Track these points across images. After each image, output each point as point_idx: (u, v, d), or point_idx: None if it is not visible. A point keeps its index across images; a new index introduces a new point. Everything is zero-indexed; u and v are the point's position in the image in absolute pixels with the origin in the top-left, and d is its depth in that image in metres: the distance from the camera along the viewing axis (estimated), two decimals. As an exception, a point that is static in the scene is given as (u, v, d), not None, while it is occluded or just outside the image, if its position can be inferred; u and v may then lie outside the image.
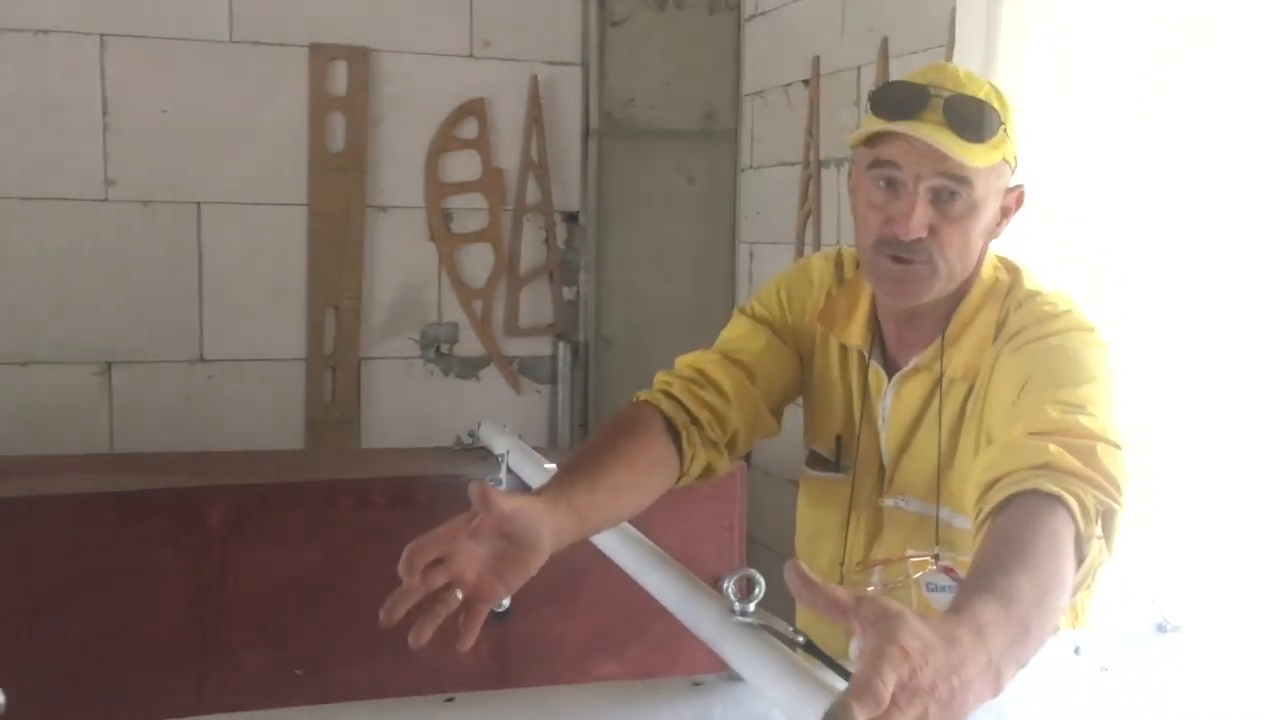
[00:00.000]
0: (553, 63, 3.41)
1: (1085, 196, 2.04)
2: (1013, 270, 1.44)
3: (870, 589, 1.46)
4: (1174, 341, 1.88)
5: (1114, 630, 1.32)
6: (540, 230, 3.46)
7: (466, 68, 3.33)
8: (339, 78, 3.21)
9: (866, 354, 1.49)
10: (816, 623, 1.59)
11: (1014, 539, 1.03)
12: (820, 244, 2.95)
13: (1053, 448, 1.13)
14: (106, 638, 1.85)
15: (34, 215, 3.00)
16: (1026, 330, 1.33)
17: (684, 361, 1.52)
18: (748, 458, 3.07)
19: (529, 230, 3.44)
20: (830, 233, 2.92)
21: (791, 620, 1.38)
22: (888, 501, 1.47)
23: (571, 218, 3.49)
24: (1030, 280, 1.42)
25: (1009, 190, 1.38)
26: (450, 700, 1.04)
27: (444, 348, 3.41)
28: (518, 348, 3.48)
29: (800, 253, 3.04)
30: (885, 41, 2.67)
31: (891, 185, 1.33)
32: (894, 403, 1.46)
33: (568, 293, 3.51)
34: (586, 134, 3.46)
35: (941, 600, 1.41)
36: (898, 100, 1.32)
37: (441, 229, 3.35)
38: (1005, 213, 1.39)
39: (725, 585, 1.08)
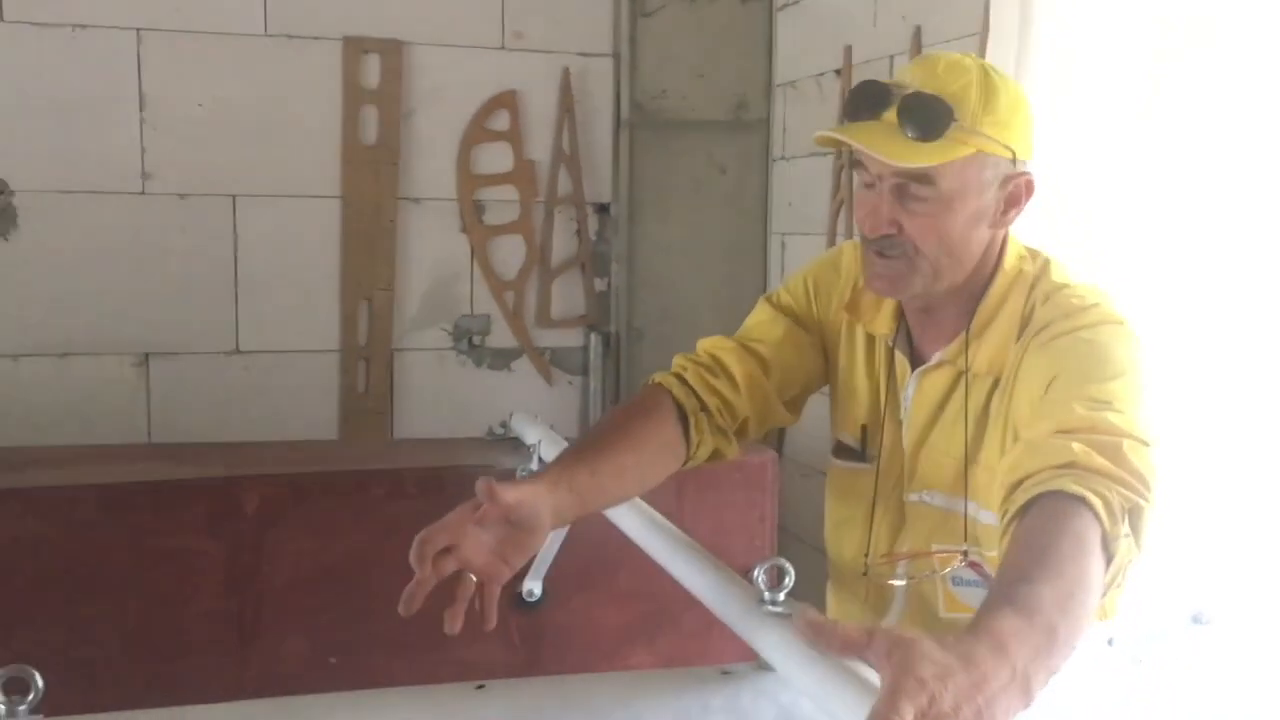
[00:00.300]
0: (584, 54, 3.41)
1: (1086, 195, 2.03)
2: (1041, 262, 1.41)
3: (896, 583, 1.46)
4: (1174, 340, 1.87)
5: (1147, 623, 1.31)
6: (572, 222, 3.46)
7: (498, 60, 3.34)
8: (372, 71, 3.23)
9: (891, 344, 1.48)
10: (847, 612, 1.60)
11: (1036, 544, 1.02)
12: (852, 234, 2.94)
13: (1077, 446, 1.12)
14: (145, 625, 1.88)
15: (73, 209, 3.04)
16: (1054, 324, 1.31)
17: (703, 345, 1.54)
18: (780, 448, 3.07)
19: (560, 222, 3.45)
20: (862, 223, 2.90)
21: (822, 609, 1.38)
22: (911, 496, 1.46)
23: (603, 209, 3.50)
24: (1059, 272, 1.40)
25: (1011, 178, 1.34)
26: (480, 687, 1.05)
27: (476, 339, 3.43)
28: (549, 339, 3.49)
29: (832, 243, 3.03)
30: (918, 30, 2.65)
31: (867, 183, 1.35)
32: (915, 395, 1.45)
33: (599, 284, 3.52)
34: (618, 125, 3.45)
35: (967, 594, 1.40)
36: (859, 101, 1.34)
37: (473, 221, 3.37)
38: (1012, 202, 1.36)
39: (755, 574, 1.09)
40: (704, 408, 1.46)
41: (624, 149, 3.43)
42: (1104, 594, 1.05)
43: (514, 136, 3.37)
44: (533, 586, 1.95)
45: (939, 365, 1.43)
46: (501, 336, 3.44)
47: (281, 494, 1.95)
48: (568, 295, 3.49)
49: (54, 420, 2.97)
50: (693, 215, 3.47)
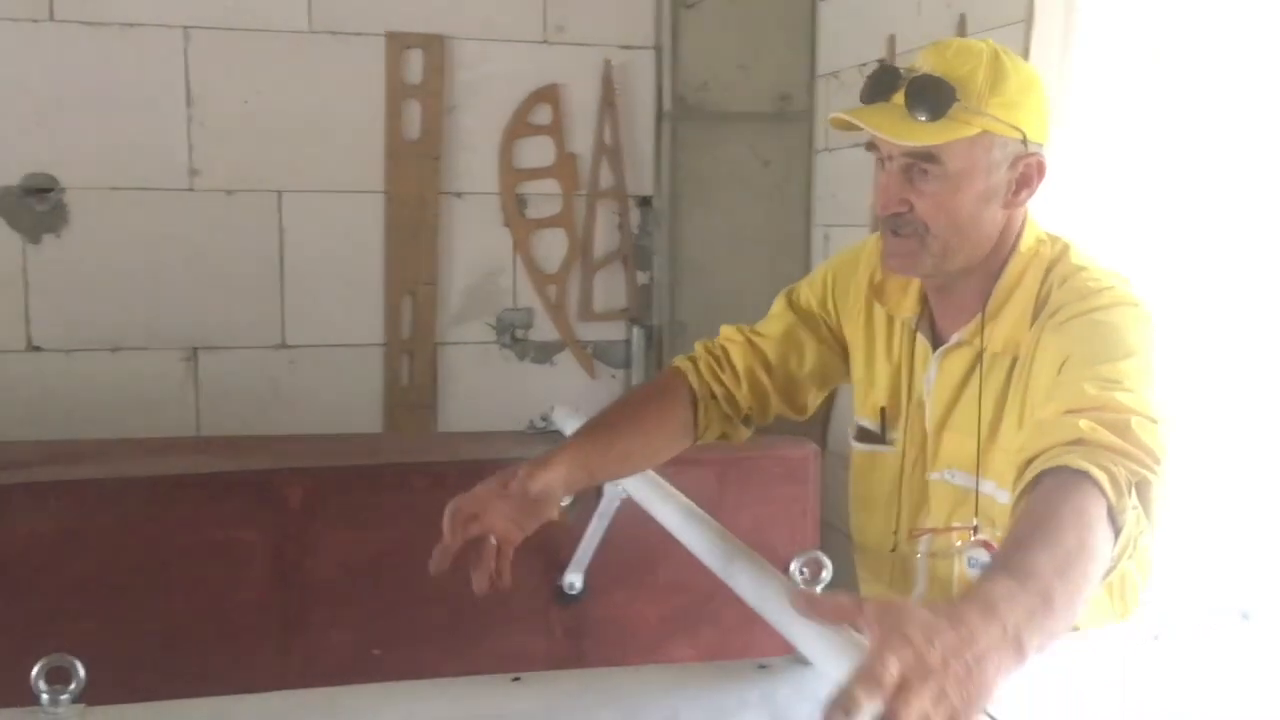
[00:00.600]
0: (626, 47, 3.41)
1: (1128, 182, 2.02)
2: (1060, 245, 1.42)
3: (918, 556, 1.49)
4: (1180, 338, 1.84)
5: (1194, 619, 1.29)
6: (614, 215, 3.46)
7: (540, 54, 3.34)
8: (415, 66, 3.25)
9: (914, 326, 1.50)
10: (872, 595, 1.61)
11: (1035, 514, 1.05)
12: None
13: (1084, 424, 1.13)
14: (192, 614, 1.90)
15: (122, 205, 3.08)
16: (1069, 306, 1.32)
17: (722, 334, 1.65)
18: (823, 441, 3.05)
19: (603, 215, 3.45)
20: (906, 214, 2.88)
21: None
22: (934, 475, 1.48)
23: (645, 202, 3.49)
24: (1078, 255, 1.40)
25: (1021, 159, 1.35)
26: (517, 680, 1.06)
27: (519, 332, 3.44)
28: (592, 332, 3.49)
29: (876, 235, 3.01)
30: (963, 18, 2.62)
31: (880, 163, 1.38)
32: (937, 376, 1.46)
33: (641, 277, 3.52)
34: (660, 118, 3.45)
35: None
36: (873, 85, 1.37)
37: (516, 214, 3.37)
38: (1024, 182, 1.37)
39: (793, 568, 1.09)
40: (712, 395, 1.57)
41: (666, 142, 3.43)
42: (1113, 566, 1.06)
43: (556, 130, 3.37)
44: (574, 580, 1.95)
45: (958, 346, 1.44)
46: (544, 330, 3.45)
47: (325, 487, 1.97)
48: (610, 289, 3.49)
49: (104, 414, 3.02)
50: (735, 208, 3.46)
